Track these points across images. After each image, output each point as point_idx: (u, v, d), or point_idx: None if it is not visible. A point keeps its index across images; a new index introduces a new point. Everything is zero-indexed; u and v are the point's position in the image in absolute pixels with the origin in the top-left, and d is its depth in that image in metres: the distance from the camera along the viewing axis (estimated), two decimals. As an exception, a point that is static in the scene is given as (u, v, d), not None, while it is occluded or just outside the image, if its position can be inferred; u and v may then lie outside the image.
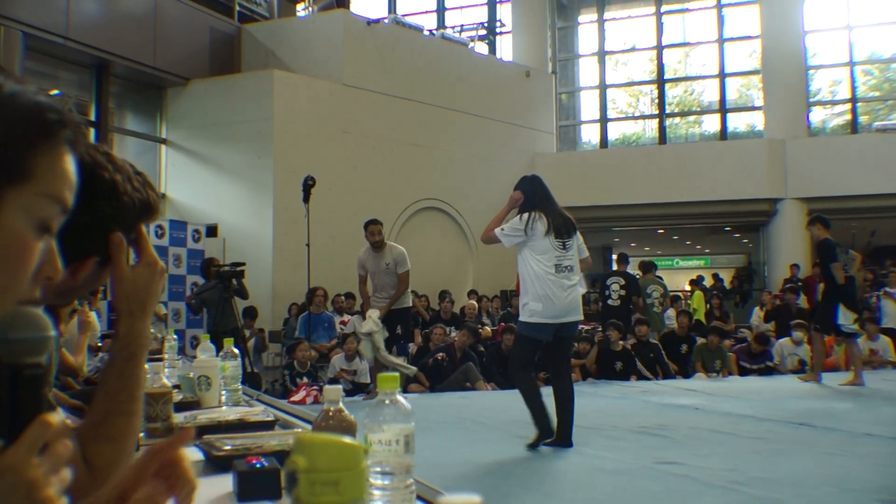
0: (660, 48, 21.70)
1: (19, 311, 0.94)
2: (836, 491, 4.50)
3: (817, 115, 21.14)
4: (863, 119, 20.41)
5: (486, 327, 13.16)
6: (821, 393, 9.17)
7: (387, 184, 16.59)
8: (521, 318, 6.23)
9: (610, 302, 12.76)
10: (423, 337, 11.89)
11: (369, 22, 17.10)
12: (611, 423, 6.99)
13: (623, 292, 12.83)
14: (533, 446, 5.81)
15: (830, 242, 9.94)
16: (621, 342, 11.14)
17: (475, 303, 14.36)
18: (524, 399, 6.02)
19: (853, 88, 20.41)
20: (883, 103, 21.24)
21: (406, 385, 10.44)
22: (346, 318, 12.85)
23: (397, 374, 1.81)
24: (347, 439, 1.20)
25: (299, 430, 2.54)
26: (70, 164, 1.01)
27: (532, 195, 6.47)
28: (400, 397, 1.82)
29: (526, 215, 6.25)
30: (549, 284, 6.05)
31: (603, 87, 22.15)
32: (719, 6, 21.19)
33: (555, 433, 5.86)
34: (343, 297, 13.43)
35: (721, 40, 21.10)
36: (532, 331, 6.11)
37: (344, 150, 15.91)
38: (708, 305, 15.55)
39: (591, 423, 6.94)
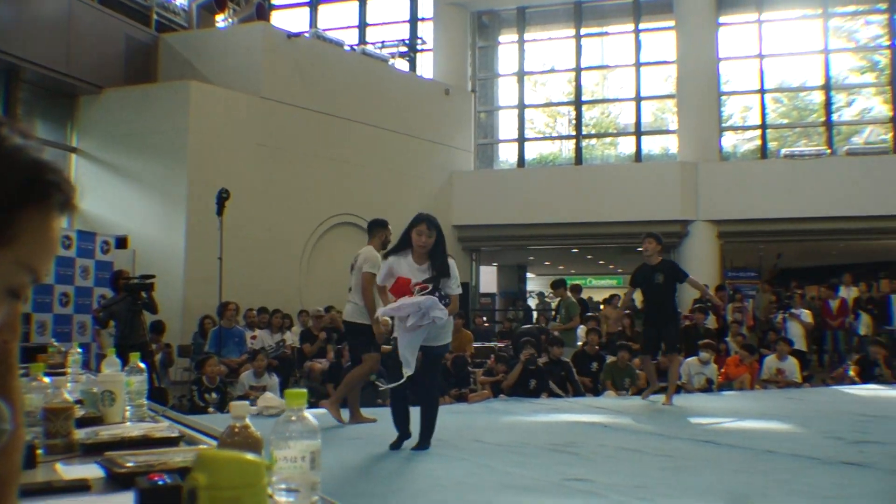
0: (578, 70, 22.03)
1: None
2: (737, 507, 4.62)
3: (729, 140, 21.67)
4: (772, 145, 20.99)
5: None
6: (726, 411, 9.37)
7: (303, 198, 16.50)
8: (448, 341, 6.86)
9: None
10: (336, 353, 11.83)
11: (289, 35, 17.03)
12: (521, 440, 7.04)
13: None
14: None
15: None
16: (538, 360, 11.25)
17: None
18: (434, 412, 6.66)
19: (763, 115, 21.00)
20: (791, 130, 21.89)
21: (318, 401, 10.38)
22: (257, 332, 12.71)
23: (304, 390, 1.81)
24: (250, 456, 1.20)
25: (206, 446, 2.51)
26: (56, 231, 0.97)
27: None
28: (307, 414, 1.81)
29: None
30: None
31: (521, 107, 22.38)
32: (637, 31, 21.61)
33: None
34: (255, 312, 13.28)
35: (638, 64, 21.52)
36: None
37: (260, 163, 15.80)
38: (620, 326, 15.77)
39: (501, 440, 6.99)
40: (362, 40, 22.36)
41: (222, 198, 11.71)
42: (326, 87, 17.29)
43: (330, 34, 19.39)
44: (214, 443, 2.53)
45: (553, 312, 14.71)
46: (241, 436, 1.81)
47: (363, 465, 5.85)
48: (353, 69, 18.28)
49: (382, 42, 21.86)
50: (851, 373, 13.62)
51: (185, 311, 14.03)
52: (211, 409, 9.55)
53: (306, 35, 18.51)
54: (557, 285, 13.92)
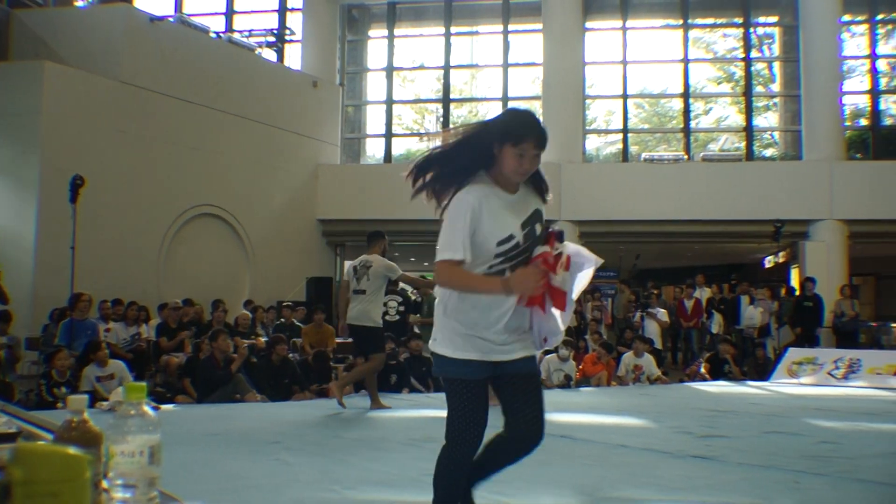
0: (447, 68, 22.16)
1: None
2: (589, 499, 4.71)
3: (592, 143, 22.19)
4: (633, 149, 21.59)
5: (260, 338, 12.95)
6: (582, 406, 9.58)
7: (163, 187, 16.07)
8: None
9: (387, 318, 12.91)
10: (194, 347, 11.56)
11: (152, 19, 16.54)
12: (380, 435, 7.02)
13: (402, 308, 13.28)
14: None
15: None
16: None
17: (249, 313, 14.11)
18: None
19: (625, 120, 21.57)
20: (652, 135, 22.57)
21: (174, 396, 10.14)
22: (111, 325, 12.29)
23: (144, 384, 1.74)
24: (71, 449, 1.13)
25: (44, 442, 2.38)
26: None
27: None
28: (147, 408, 1.74)
29: None
30: None
31: (389, 103, 22.38)
32: (505, 32, 21.88)
33: None
34: (110, 304, 12.83)
35: (506, 65, 21.79)
36: None
37: (119, 150, 15.29)
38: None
39: (360, 436, 6.95)
40: (229, 28, 21.95)
41: (76, 184, 11.28)
42: (191, 74, 16.86)
43: (196, 20, 18.94)
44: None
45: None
46: (79, 430, 1.73)
47: (218, 462, 5.71)
48: (219, 57, 17.90)
49: (250, 31, 21.47)
50: (703, 370, 14.15)
51: (34, 302, 13.43)
52: (60, 405, 9.18)
53: (171, 19, 18.01)
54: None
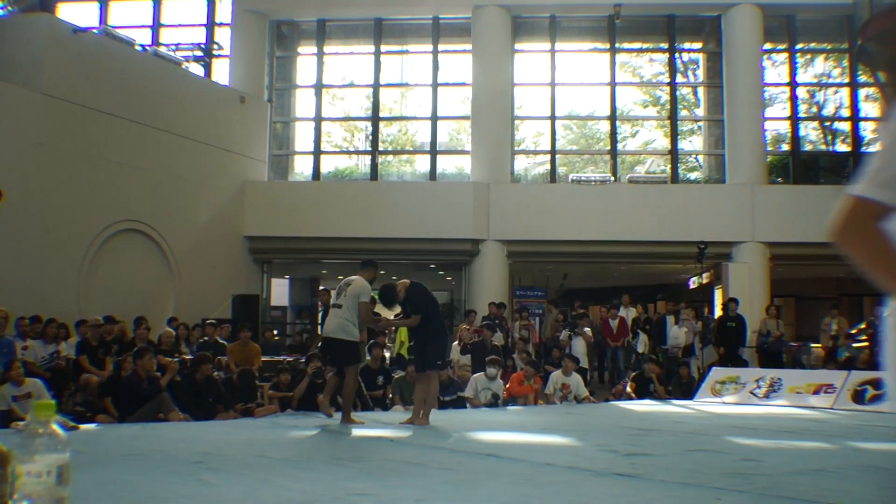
0: (377, 86, 22.13)
1: None
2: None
3: (521, 163, 22.34)
4: (561, 170, 21.79)
5: (185, 356, 12.71)
6: (510, 425, 9.58)
7: (86, 202, 15.75)
8: None
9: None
10: (115, 365, 11.29)
11: (76, 30, 16.25)
12: (305, 454, 6.92)
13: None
14: None
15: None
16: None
17: (172, 330, 13.85)
18: None
19: (553, 141, 21.76)
20: (579, 157, 22.81)
21: (94, 415, 9.89)
22: (29, 343, 11.95)
23: (52, 401, 1.67)
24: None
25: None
26: None
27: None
28: (56, 426, 1.66)
29: None
30: None
31: (318, 120, 22.25)
32: (435, 52, 21.94)
33: None
34: (28, 321, 12.47)
35: (435, 84, 21.84)
36: None
37: (39, 162, 14.94)
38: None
39: (285, 455, 6.84)
40: (156, 41, 21.64)
41: (-6, 197, 10.97)
42: (115, 86, 16.56)
43: (121, 32, 18.65)
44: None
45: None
46: (-16, 449, 1.65)
47: (136, 483, 5.56)
48: (145, 70, 17.64)
49: (177, 44, 21.20)
50: (629, 389, 14.29)
51: (-53, 318, 13.01)
52: (-28, 424, 8.88)
53: (95, 31, 17.70)
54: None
